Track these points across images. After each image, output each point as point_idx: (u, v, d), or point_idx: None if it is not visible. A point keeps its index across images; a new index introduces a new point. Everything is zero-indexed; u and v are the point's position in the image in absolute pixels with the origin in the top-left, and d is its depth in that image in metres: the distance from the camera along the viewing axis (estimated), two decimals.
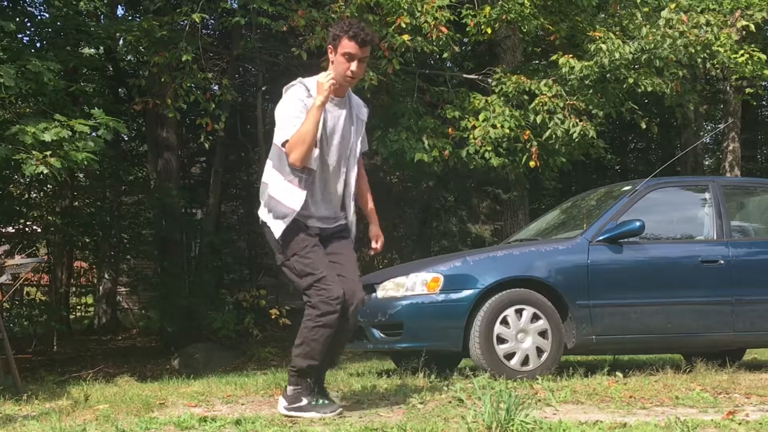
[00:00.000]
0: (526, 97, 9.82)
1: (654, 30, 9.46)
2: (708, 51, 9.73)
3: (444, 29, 9.19)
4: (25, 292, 16.74)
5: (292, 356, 3.80)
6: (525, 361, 5.31)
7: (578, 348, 5.55)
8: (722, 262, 5.83)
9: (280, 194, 3.79)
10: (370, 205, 4.18)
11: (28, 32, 9.28)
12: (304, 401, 3.75)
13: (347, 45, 3.73)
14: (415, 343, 5.40)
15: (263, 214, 3.85)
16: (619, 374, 5.18)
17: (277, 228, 3.79)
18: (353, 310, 3.82)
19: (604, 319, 5.54)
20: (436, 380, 4.99)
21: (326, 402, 3.81)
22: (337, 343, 3.89)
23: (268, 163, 3.88)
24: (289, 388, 3.80)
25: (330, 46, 3.82)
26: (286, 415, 3.72)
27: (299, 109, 3.75)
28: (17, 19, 8.55)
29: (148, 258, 14.69)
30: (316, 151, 3.75)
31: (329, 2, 9.35)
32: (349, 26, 3.75)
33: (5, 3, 9.18)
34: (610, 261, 5.65)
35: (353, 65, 3.75)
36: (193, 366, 9.15)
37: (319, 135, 3.74)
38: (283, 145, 3.74)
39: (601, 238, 5.68)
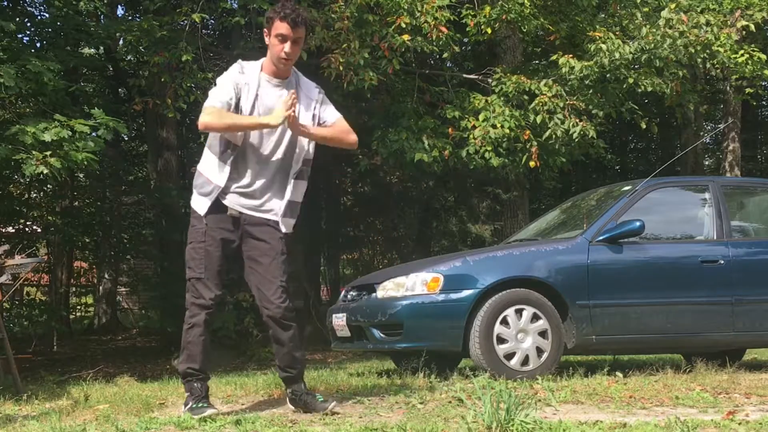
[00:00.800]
0: (526, 97, 9.82)
1: (654, 30, 9.45)
2: (708, 51, 9.72)
3: (444, 29, 9.19)
4: (25, 292, 16.75)
5: (179, 364, 3.85)
6: (525, 361, 5.31)
7: (578, 348, 5.55)
8: (722, 262, 5.83)
9: (207, 170, 3.79)
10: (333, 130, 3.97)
11: (28, 32, 9.28)
12: (189, 404, 3.75)
13: (279, 26, 3.71)
14: (415, 343, 5.40)
15: (194, 191, 3.84)
16: (619, 374, 5.18)
17: (200, 204, 3.78)
18: (273, 321, 3.76)
19: (604, 319, 5.54)
20: (436, 380, 4.99)
21: (206, 405, 3.74)
22: (282, 354, 3.85)
23: (205, 147, 3.87)
24: (188, 394, 3.82)
25: (265, 29, 3.80)
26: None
27: (228, 82, 3.74)
28: (17, 19, 8.56)
29: (148, 258, 14.69)
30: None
31: (329, 2, 9.35)
32: (281, 7, 3.73)
33: (5, 3, 9.19)
34: (610, 261, 5.65)
35: (286, 46, 3.72)
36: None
37: (247, 112, 3.73)
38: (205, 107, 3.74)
39: (601, 238, 5.68)
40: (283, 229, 3.84)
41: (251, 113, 3.75)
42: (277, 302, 3.76)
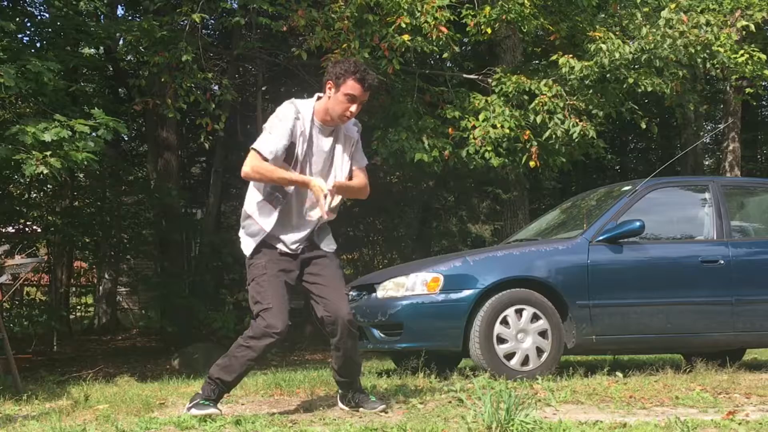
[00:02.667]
0: (526, 97, 9.82)
1: (654, 30, 9.45)
2: (708, 51, 9.72)
3: (444, 29, 9.19)
4: (25, 292, 16.73)
5: (214, 365, 3.84)
6: (525, 361, 5.31)
7: (578, 348, 5.55)
8: (722, 262, 5.83)
9: (255, 212, 3.82)
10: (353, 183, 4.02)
11: (28, 32, 9.28)
12: (197, 399, 3.77)
13: (353, 87, 3.74)
14: (415, 343, 5.40)
15: (241, 230, 3.90)
16: (619, 374, 5.18)
17: (247, 246, 3.85)
18: (342, 329, 3.79)
19: (604, 319, 5.54)
20: (436, 380, 4.99)
21: (209, 403, 3.76)
22: (347, 365, 3.92)
23: (251, 185, 3.90)
24: (199, 392, 3.82)
25: (330, 81, 3.78)
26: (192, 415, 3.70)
27: (284, 129, 3.75)
28: (17, 19, 8.56)
29: (148, 258, 14.69)
30: (291, 171, 3.77)
31: (329, 2, 9.35)
32: (356, 68, 3.75)
33: (5, 3, 9.18)
34: (610, 261, 5.65)
35: (353, 107, 3.76)
36: (193, 366, 9.14)
37: (301, 159, 3.77)
38: (252, 150, 3.76)
39: (601, 238, 5.68)
40: (329, 250, 3.93)
41: (304, 160, 3.77)
42: (347, 309, 3.80)
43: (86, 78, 13.84)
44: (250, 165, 3.72)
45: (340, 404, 4.02)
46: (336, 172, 3.87)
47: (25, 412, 4.40)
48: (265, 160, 3.71)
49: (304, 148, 3.78)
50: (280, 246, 3.83)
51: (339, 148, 3.88)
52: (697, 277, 5.79)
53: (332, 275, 3.87)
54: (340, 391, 4.05)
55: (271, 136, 3.75)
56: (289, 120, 3.77)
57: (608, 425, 3.40)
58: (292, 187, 3.78)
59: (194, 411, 3.69)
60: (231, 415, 3.83)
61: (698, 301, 5.77)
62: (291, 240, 3.84)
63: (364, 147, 4.13)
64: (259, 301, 3.75)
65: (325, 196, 3.68)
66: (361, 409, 3.88)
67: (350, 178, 3.93)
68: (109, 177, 13.61)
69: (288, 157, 3.76)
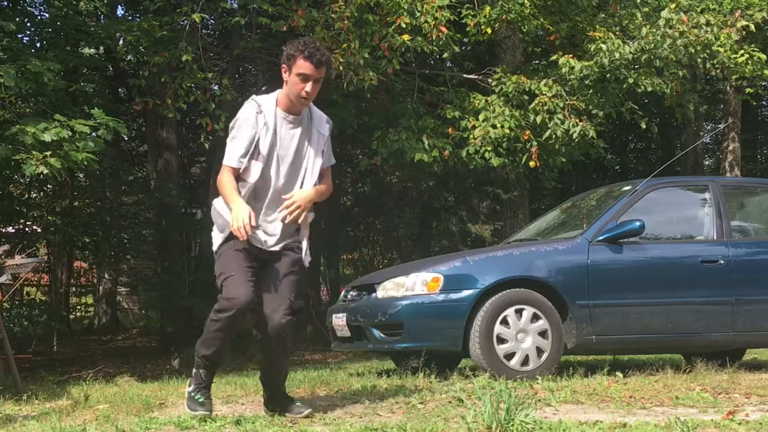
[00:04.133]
0: (526, 97, 9.82)
1: (654, 30, 9.45)
2: (708, 51, 9.72)
3: (444, 29, 9.19)
4: (25, 292, 16.73)
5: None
6: (525, 361, 5.31)
7: (578, 348, 5.55)
8: (722, 262, 5.83)
9: (223, 207, 3.80)
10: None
11: (28, 32, 9.28)
12: (191, 387, 3.80)
13: (302, 65, 3.67)
14: (415, 343, 5.40)
15: (213, 228, 3.89)
16: (619, 374, 5.18)
17: (216, 240, 3.84)
18: (273, 335, 3.70)
19: (604, 319, 5.54)
20: (436, 380, 4.99)
21: (203, 400, 3.75)
22: (272, 370, 3.84)
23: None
24: (192, 378, 3.85)
25: (284, 65, 3.75)
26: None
27: (246, 130, 3.73)
28: (17, 19, 8.56)
29: (148, 258, 14.69)
30: (260, 165, 3.74)
31: (329, 2, 9.35)
32: (304, 46, 3.69)
33: (5, 3, 9.18)
34: (610, 261, 5.65)
35: (308, 86, 3.70)
36: (193, 366, 9.13)
37: (266, 152, 3.73)
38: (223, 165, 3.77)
39: (601, 238, 5.68)
40: (297, 251, 3.86)
41: (270, 153, 3.74)
42: (281, 314, 3.69)
43: (86, 78, 13.83)
44: (219, 177, 3.77)
45: (264, 408, 3.91)
46: (307, 169, 3.82)
47: (25, 412, 4.40)
48: (237, 168, 3.72)
49: (270, 140, 3.73)
50: (250, 239, 3.75)
51: (310, 143, 3.83)
52: (697, 277, 5.79)
53: (282, 277, 3.76)
54: (265, 394, 3.94)
55: (234, 143, 3.75)
56: (249, 118, 3.74)
57: (608, 425, 3.40)
58: (251, 182, 3.73)
59: (188, 410, 3.72)
60: (231, 415, 3.83)
61: (698, 301, 5.77)
62: (262, 235, 3.78)
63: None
64: (222, 272, 3.74)
65: (245, 226, 3.59)
66: (286, 414, 3.77)
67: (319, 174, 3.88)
68: (109, 177, 13.61)
69: (255, 153, 3.72)
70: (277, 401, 3.86)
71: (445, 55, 9.91)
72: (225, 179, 3.73)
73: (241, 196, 3.72)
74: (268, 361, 3.87)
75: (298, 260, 3.85)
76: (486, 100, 9.94)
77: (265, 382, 3.92)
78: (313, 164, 3.83)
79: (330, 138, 3.97)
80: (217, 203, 3.84)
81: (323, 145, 3.89)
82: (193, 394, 3.77)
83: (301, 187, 3.80)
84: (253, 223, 3.61)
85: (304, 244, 3.90)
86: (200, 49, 9.49)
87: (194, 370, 3.84)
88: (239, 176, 3.77)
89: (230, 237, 3.75)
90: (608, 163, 18.06)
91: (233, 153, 3.74)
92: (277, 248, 3.82)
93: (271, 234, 3.81)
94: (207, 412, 3.70)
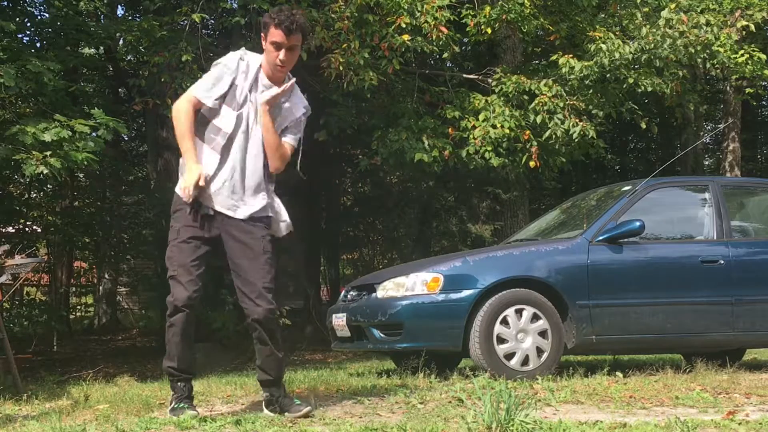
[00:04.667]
0: (526, 97, 9.82)
1: (654, 30, 9.45)
2: (708, 51, 9.72)
3: (444, 29, 9.19)
4: (25, 292, 16.73)
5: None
6: (525, 361, 5.31)
7: (578, 348, 5.55)
8: (722, 262, 5.83)
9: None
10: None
11: (28, 32, 9.27)
12: (173, 403, 3.75)
13: (274, 33, 3.64)
14: (415, 343, 5.40)
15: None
16: (619, 374, 5.18)
17: (177, 197, 3.76)
18: (258, 325, 3.69)
19: (604, 319, 5.54)
20: (436, 380, 4.99)
21: (186, 406, 3.71)
22: (264, 356, 3.79)
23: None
24: (172, 393, 3.82)
25: (262, 34, 3.73)
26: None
27: (222, 72, 3.70)
28: (17, 19, 8.55)
29: (148, 258, 14.68)
30: (233, 113, 3.68)
31: (329, 2, 9.35)
32: (276, 13, 3.65)
33: (5, 3, 9.17)
34: (610, 261, 5.65)
35: (281, 54, 3.66)
36: (193, 366, 9.13)
37: (240, 101, 3.68)
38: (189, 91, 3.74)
39: (601, 238, 5.68)
40: (259, 229, 3.75)
41: (243, 104, 3.70)
42: (264, 304, 3.67)
43: (86, 78, 13.84)
44: (177, 103, 3.71)
45: (265, 411, 3.84)
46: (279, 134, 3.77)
47: (25, 412, 4.40)
48: (201, 104, 3.67)
49: (246, 90, 3.69)
50: (207, 200, 3.70)
51: (279, 114, 3.77)
52: (697, 277, 5.79)
53: (250, 265, 3.69)
54: (264, 394, 3.89)
55: (207, 78, 3.72)
56: (231, 62, 3.71)
57: (608, 425, 3.40)
58: (230, 129, 3.68)
59: (173, 416, 3.65)
60: (231, 415, 3.82)
61: (698, 301, 5.77)
62: (225, 194, 3.70)
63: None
64: (168, 266, 3.76)
65: (197, 185, 3.55)
66: (286, 413, 3.73)
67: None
68: (109, 177, 13.62)
69: (229, 98, 3.69)
70: (277, 400, 3.82)
71: (445, 55, 9.90)
72: (183, 111, 3.67)
73: (212, 145, 3.67)
74: (262, 357, 3.80)
75: (266, 236, 3.76)
76: (486, 100, 9.94)
77: (265, 377, 3.85)
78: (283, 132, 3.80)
79: (304, 122, 3.89)
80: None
81: (288, 121, 3.82)
82: (175, 405, 3.72)
83: (264, 156, 3.74)
84: (202, 183, 3.55)
85: (280, 210, 3.82)
86: (200, 49, 9.48)
87: (171, 385, 3.81)
88: (213, 126, 3.70)
89: (188, 204, 3.70)
90: (608, 163, 18.07)
91: (204, 85, 3.70)
92: (242, 217, 3.73)
93: (233, 204, 3.72)
94: (195, 413, 3.67)
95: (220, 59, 3.78)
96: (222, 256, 3.85)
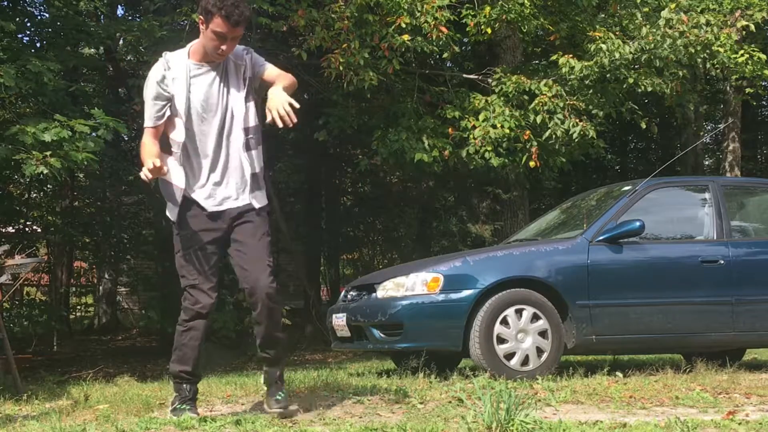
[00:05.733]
0: (526, 97, 9.82)
1: (654, 30, 9.45)
2: (708, 51, 9.72)
3: (444, 29, 9.19)
4: (25, 292, 16.74)
5: (170, 363, 3.81)
6: (525, 361, 5.31)
7: (578, 348, 5.55)
8: (722, 262, 5.83)
9: (168, 173, 3.70)
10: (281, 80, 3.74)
11: (28, 32, 9.27)
12: (176, 404, 3.73)
13: (219, 24, 3.55)
14: (415, 343, 5.40)
15: (167, 206, 3.80)
16: (619, 374, 5.18)
17: (172, 212, 3.75)
18: (261, 303, 3.65)
19: (604, 319, 5.54)
20: (436, 380, 4.99)
21: (187, 407, 3.70)
22: (268, 339, 3.76)
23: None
24: (173, 394, 3.80)
25: (201, 16, 3.63)
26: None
27: (153, 91, 3.66)
28: (17, 19, 8.54)
29: (148, 258, 14.69)
30: (182, 121, 3.66)
31: (329, 2, 9.35)
32: (222, 3, 3.54)
33: (5, 3, 9.17)
34: (610, 261, 5.65)
35: (224, 45, 3.61)
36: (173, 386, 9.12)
37: (184, 107, 3.66)
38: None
39: (601, 238, 5.68)
40: (257, 204, 3.75)
41: (187, 108, 3.66)
42: (267, 282, 3.65)
43: (86, 78, 13.84)
44: (143, 142, 3.70)
45: (266, 408, 3.82)
46: (233, 107, 3.71)
47: (25, 412, 4.40)
48: (158, 126, 3.66)
49: (184, 94, 3.65)
50: (203, 203, 3.70)
51: (228, 81, 3.71)
52: (697, 277, 5.79)
53: (256, 243, 3.69)
54: (264, 369, 3.88)
55: (147, 105, 3.70)
56: (156, 76, 3.66)
57: (608, 425, 3.40)
58: (182, 138, 3.66)
59: (173, 416, 3.63)
60: (231, 415, 3.82)
61: (698, 301, 5.77)
62: (210, 192, 3.70)
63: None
64: (185, 276, 3.74)
65: (152, 169, 3.51)
66: (266, 403, 3.76)
67: (263, 86, 3.75)
68: (109, 177, 13.61)
69: (175, 111, 3.66)
70: (275, 381, 3.80)
71: (445, 55, 9.90)
72: (144, 142, 3.68)
73: (177, 158, 3.67)
74: (267, 333, 3.74)
75: (262, 223, 3.76)
76: (486, 100, 9.94)
77: (266, 355, 3.82)
78: (236, 100, 3.73)
79: (253, 55, 3.80)
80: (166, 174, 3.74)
81: (244, 72, 3.75)
82: (178, 406, 3.70)
83: (230, 130, 3.70)
84: (158, 164, 3.51)
85: (248, 182, 3.76)
86: None
87: (176, 387, 3.78)
88: (169, 139, 3.69)
89: (185, 208, 3.70)
90: (608, 163, 18.07)
91: (148, 114, 3.69)
92: (235, 209, 3.72)
93: (225, 197, 3.72)
94: (195, 414, 3.66)
95: (148, 76, 3.72)
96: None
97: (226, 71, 3.74)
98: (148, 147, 3.66)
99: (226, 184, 3.74)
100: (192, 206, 3.73)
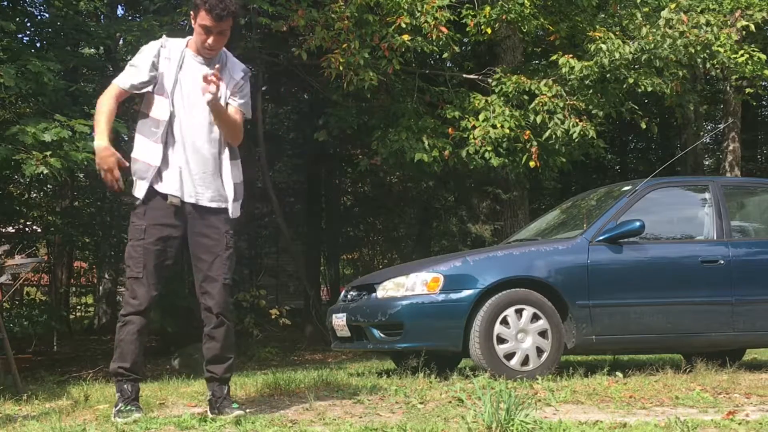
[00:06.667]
0: (526, 97, 9.83)
1: (654, 30, 9.46)
2: (708, 51, 9.73)
3: (444, 29, 9.20)
4: (25, 292, 16.75)
5: (111, 363, 3.75)
6: (525, 361, 5.31)
7: (578, 348, 5.55)
8: (722, 262, 5.83)
9: (140, 152, 3.68)
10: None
11: (28, 32, 9.28)
12: (119, 406, 3.66)
13: (204, 17, 3.57)
14: (415, 343, 5.40)
15: (134, 184, 3.75)
16: (619, 374, 5.18)
17: (139, 189, 3.70)
18: (215, 320, 3.65)
19: (604, 319, 5.54)
20: (436, 380, 4.99)
21: (133, 409, 3.64)
22: (213, 352, 3.72)
23: (136, 132, 3.77)
24: (118, 395, 3.73)
25: (192, 11, 3.68)
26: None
27: (140, 59, 3.68)
28: (17, 19, 8.56)
29: None
30: (166, 102, 3.64)
31: (329, 2, 9.35)
32: None
33: (5, 3, 9.18)
34: (610, 261, 5.65)
35: (210, 39, 3.63)
36: (193, 366, 9.13)
37: (170, 88, 3.65)
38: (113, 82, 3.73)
39: (601, 238, 5.68)
40: (233, 215, 3.74)
41: (174, 88, 3.66)
42: (219, 300, 3.65)
43: (86, 78, 13.84)
44: (102, 96, 3.68)
45: (207, 410, 3.77)
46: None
47: (25, 412, 4.40)
48: (125, 92, 3.66)
49: (174, 75, 3.65)
50: (171, 190, 3.66)
51: (221, 86, 3.68)
52: (697, 277, 5.79)
53: (215, 261, 3.67)
54: (208, 393, 3.80)
55: (129, 68, 3.69)
56: (151, 50, 3.68)
57: (608, 425, 3.40)
58: (165, 117, 3.64)
59: (119, 419, 3.56)
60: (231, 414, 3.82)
61: (698, 301, 5.77)
62: (177, 185, 3.67)
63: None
64: (130, 266, 3.67)
65: (108, 170, 3.49)
66: (222, 414, 3.65)
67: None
68: None
69: (159, 87, 3.66)
70: (218, 400, 3.72)
71: (445, 55, 9.91)
72: (105, 98, 3.65)
73: (157, 142, 3.63)
74: (212, 353, 3.71)
75: (230, 231, 3.73)
76: (486, 100, 9.94)
77: (211, 375, 3.75)
78: (228, 106, 3.73)
79: (246, 85, 3.83)
80: (136, 152, 3.71)
81: (232, 87, 3.77)
82: (122, 408, 3.62)
83: (215, 134, 3.70)
84: (117, 176, 3.51)
85: (231, 197, 3.74)
86: None
87: (117, 387, 3.71)
88: (150, 118, 3.67)
89: (152, 193, 3.66)
90: (608, 163, 18.08)
91: (126, 75, 3.68)
92: (203, 207, 3.69)
93: (197, 192, 3.69)
94: (140, 414, 3.61)
95: (142, 48, 3.74)
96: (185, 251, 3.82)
97: (222, 72, 3.73)
98: (104, 117, 3.60)
99: (201, 180, 3.71)
100: (155, 197, 3.68)
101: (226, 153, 3.77)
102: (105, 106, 3.66)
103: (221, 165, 3.76)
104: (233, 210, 3.76)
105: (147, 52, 3.71)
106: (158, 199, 3.69)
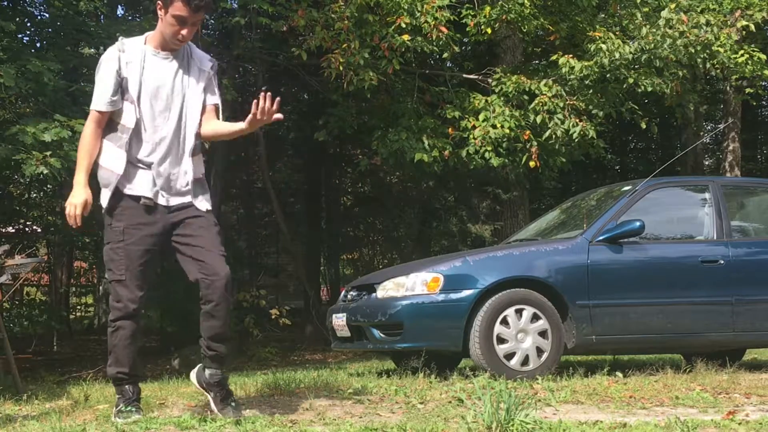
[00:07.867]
0: (526, 97, 9.83)
1: (654, 30, 9.46)
2: (708, 51, 9.73)
3: (444, 29, 9.20)
4: (25, 292, 16.75)
5: (107, 368, 3.71)
6: (525, 361, 5.31)
7: (578, 348, 5.55)
8: (722, 262, 5.83)
9: (105, 159, 3.62)
10: (230, 125, 3.75)
11: (28, 32, 9.28)
12: (120, 406, 3.65)
13: (179, 8, 3.48)
14: (415, 343, 5.40)
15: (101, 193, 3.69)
16: (619, 374, 5.18)
17: (104, 198, 3.64)
18: (219, 294, 3.53)
19: (604, 319, 5.54)
20: (436, 380, 4.99)
21: (133, 410, 3.62)
22: (215, 328, 3.60)
23: (103, 139, 3.68)
24: (119, 396, 3.71)
25: (159, 2, 3.52)
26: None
27: (104, 74, 3.60)
28: (17, 19, 8.55)
29: None
30: (132, 106, 3.58)
31: (329, 2, 9.36)
32: None
33: (5, 3, 9.17)
34: (610, 261, 5.65)
35: (184, 30, 3.55)
36: (193, 366, 9.13)
37: (136, 91, 3.59)
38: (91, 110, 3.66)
39: (601, 238, 5.68)
40: (202, 207, 3.68)
41: (139, 92, 3.59)
42: (225, 270, 3.55)
43: (86, 78, 13.84)
44: (84, 128, 3.63)
45: (219, 410, 3.65)
46: (187, 107, 3.65)
47: (25, 412, 4.39)
48: (105, 112, 3.58)
49: (137, 78, 3.58)
50: (141, 191, 3.60)
51: (188, 80, 3.65)
52: (697, 277, 5.79)
53: (210, 237, 3.60)
54: (206, 369, 3.73)
55: (98, 88, 3.62)
56: (111, 60, 3.60)
57: (608, 425, 3.40)
58: (132, 124, 3.57)
59: (119, 420, 3.55)
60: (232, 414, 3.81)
61: (698, 301, 5.77)
62: (150, 185, 3.60)
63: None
64: (112, 270, 3.60)
65: (76, 208, 3.48)
66: (212, 406, 3.64)
67: (203, 112, 3.71)
68: None
69: (127, 94, 3.58)
70: (218, 382, 3.68)
71: (445, 55, 9.91)
72: (87, 130, 3.60)
73: (119, 144, 3.58)
74: (217, 327, 3.60)
75: (212, 220, 3.68)
76: (486, 100, 9.95)
77: (211, 352, 3.66)
78: (193, 102, 3.67)
79: (215, 76, 3.79)
80: (101, 158, 3.64)
81: (204, 81, 3.72)
82: (123, 408, 3.61)
83: (184, 131, 3.64)
84: (79, 216, 3.48)
85: (191, 186, 3.69)
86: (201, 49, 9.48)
87: (117, 389, 3.69)
88: (117, 124, 3.60)
89: (119, 196, 3.60)
90: (608, 163, 18.07)
91: (97, 96, 3.61)
92: (177, 205, 3.63)
93: (168, 191, 3.63)
94: (140, 415, 3.60)
95: (101, 59, 3.66)
96: (168, 252, 3.75)
97: (188, 69, 3.69)
98: (84, 154, 3.57)
99: (174, 179, 3.65)
100: (126, 197, 3.61)
101: (192, 150, 3.71)
102: (86, 141, 3.59)
103: (189, 163, 3.69)
104: (200, 205, 3.69)
105: (107, 63, 3.61)
106: (129, 200, 3.62)
